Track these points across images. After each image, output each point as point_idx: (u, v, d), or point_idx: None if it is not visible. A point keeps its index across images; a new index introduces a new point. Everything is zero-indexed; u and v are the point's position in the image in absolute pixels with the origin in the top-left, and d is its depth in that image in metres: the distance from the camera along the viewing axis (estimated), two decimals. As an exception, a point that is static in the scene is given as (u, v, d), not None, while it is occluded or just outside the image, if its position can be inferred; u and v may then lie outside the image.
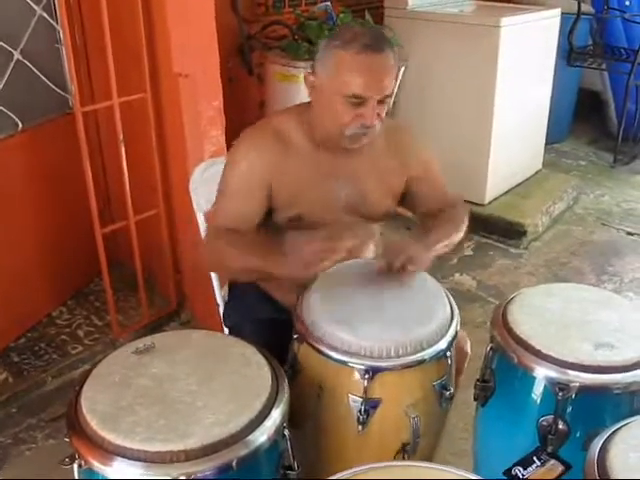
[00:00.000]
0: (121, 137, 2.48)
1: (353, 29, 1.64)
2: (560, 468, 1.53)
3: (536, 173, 4.31)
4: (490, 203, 3.88)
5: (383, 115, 1.64)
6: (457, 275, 3.40)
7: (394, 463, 1.25)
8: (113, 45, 2.38)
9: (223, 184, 1.73)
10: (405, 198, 1.88)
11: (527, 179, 4.21)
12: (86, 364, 2.60)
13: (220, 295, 2.10)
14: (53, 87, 2.70)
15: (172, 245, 2.84)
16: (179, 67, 2.44)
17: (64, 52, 2.67)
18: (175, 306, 2.93)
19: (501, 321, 1.65)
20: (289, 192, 1.71)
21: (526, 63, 3.78)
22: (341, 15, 3.21)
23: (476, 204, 3.76)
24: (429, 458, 1.68)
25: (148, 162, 2.64)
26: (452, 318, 1.60)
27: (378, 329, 1.51)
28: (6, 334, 2.71)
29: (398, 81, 3.54)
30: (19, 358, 2.64)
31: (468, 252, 3.65)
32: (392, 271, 1.63)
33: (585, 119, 5.38)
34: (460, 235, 1.84)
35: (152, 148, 2.61)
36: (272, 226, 1.76)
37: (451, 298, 1.67)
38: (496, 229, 3.75)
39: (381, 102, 1.60)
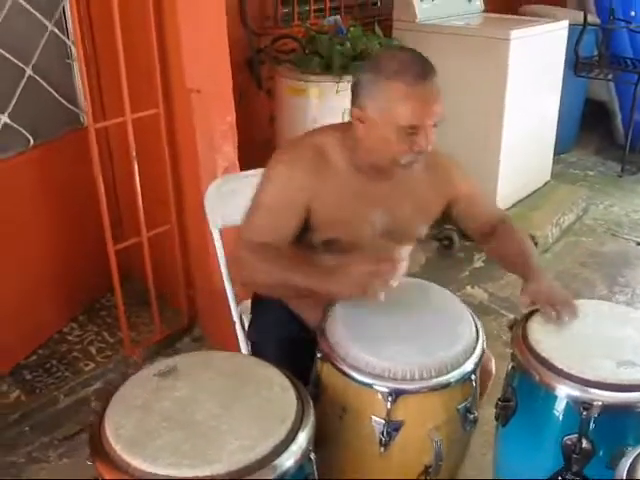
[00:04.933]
0: (134, 153, 2.48)
1: (396, 56, 1.59)
2: (585, 487, 1.52)
3: (545, 184, 4.30)
4: (500, 215, 3.87)
5: (434, 137, 1.61)
6: (469, 288, 3.39)
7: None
8: (125, 60, 2.38)
9: (261, 196, 1.68)
10: (450, 219, 1.89)
11: (536, 190, 4.21)
12: (98, 381, 2.60)
13: (236, 312, 2.09)
14: (64, 103, 2.70)
15: (184, 261, 2.84)
16: (192, 82, 2.44)
17: (76, 68, 2.68)
18: (187, 322, 2.92)
19: (521, 339, 1.64)
20: (328, 213, 1.68)
21: (535, 75, 3.79)
22: (352, 29, 3.21)
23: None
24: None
25: (160, 178, 2.64)
26: (477, 339, 1.59)
27: (402, 351, 1.50)
28: (17, 351, 2.70)
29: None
30: (31, 375, 2.63)
31: (479, 264, 3.64)
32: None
33: (591, 129, 5.39)
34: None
35: (164, 164, 2.61)
36: (304, 246, 1.73)
37: (476, 318, 1.66)
38: (506, 241, 3.74)
39: (434, 126, 1.58)
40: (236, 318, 2.09)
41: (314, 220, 1.69)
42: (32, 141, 2.59)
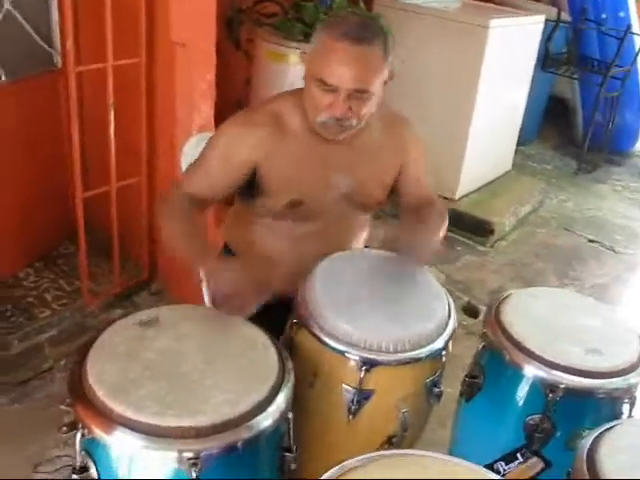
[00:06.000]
0: (111, 101, 2.42)
1: (345, 15, 1.61)
2: (540, 465, 1.59)
3: (505, 174, 4.39)
4: (460, 199, 3.94)
5: (361, 112, 1.60)
6: (426, 268, 3.44)
7: (405, 451, 1.25)
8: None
9: (205, 151, 1.71)
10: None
11: (496, 179, 4.29)
12: (54, 329, 2.56)
13: (202, 271, 2.09)
14: (40, 42, 2.62)
15: (149, 214, 2.80)
16: (177, 35, 2.40)
17: (54, 7, 2.60)
18: (147, 276, 2.89)
19: (494, 320, 1.69)
20: (283, 176, 1.69)
21: (509, 65, 3.85)
22: (337, -1, 3.20)
23: (447, 199, 3.81)
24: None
25: (134, 129, 2.59)
26: (449, 317, 1.63)
27: (379, 323, 1.52)
28: (-30, 292, 2.64)
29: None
30: (-17, 318, 2.57)
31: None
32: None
33: (552, 124, 5.51)
34: (444, 230, 1.85)
35: (140, 115, 2.56)
36: (269, 211, 1.75)
37: (449, 297, 1.69)
38: (464, 225, 3.80)
39: (358, 97, 1.56)
40: (203, 276, 2.08)
41: (269, 182, 1.69)
42: (3, 77, 2.50)
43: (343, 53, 1.53)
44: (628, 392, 1.55)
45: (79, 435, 1.22)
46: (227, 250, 1.96)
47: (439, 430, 2.16)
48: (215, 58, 2.52)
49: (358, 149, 1.74)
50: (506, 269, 3.58)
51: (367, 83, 1.56)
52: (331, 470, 1.13)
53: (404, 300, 1.62)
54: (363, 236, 1.96)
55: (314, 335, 1.51)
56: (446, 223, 1.86)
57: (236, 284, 1.47)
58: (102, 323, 1.56)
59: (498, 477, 1.19)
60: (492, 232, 3.78)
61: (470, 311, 3.17)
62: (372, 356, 1.48)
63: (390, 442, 1.58)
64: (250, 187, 1.72)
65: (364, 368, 1.47)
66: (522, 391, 1.59)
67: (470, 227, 3.79)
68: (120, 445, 1.18)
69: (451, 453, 1.89)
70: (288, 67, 3.13)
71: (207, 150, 1.72)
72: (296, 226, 1.77)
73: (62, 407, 1.29)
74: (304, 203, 1.72)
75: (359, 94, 1.56)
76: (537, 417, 1.56)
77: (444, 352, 1.57)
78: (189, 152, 2.05)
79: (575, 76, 5.04)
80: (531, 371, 1.56)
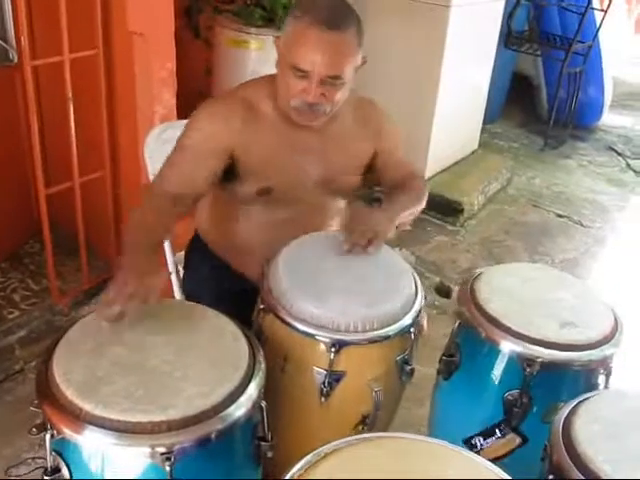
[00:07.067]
0: (70, 94, 2.37)
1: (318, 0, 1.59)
2: (518, 440, 1.60)
3: (472, 153, 4.40)
4: (429, 180, 3.93)
5: (334, 98, 1.60)
6: (396, 250, 3.45)
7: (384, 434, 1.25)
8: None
9: (178, 145, 1.66)
10: (369, 170, 1.87)
11: (464, 158, 4.30)
12: (23, 329, 2.51)
13: (172, 262, 2.06)
14: (-7, 37, 2.55)
15: (115, 209, 2.76)
16: (134, 25, 2.35)
17: (8, 1, 2.53)
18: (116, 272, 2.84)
19: (469, 298, 1.69)
20: (258, 162, 1.67)
21: (471, 44, 3.84)
22: (296, -18, 3.15)
23: (415, 180, 3.80)
24: (385, 431, 1.71)
25: (94, 122, 2.54)
26: (417, 294, 1.63)
27: (346, 303, 1.52)
28: None
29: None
30: (-49, 322, 2.51)
31: (407, 227, 3.69)
32: (357, 247, 1.63)
33: (516, 102, 5.52)
34: (422, 205, 1.87)
35: (100, 108, 2.51)
36: (241, 198, 1.73)
37: (416, 274, 1.69)
38: (434, 206, 3.76)
39: (331, 83, 1.56)
40: (172, 269, 2.06)
41: (243, 169, 1.68)
42: (-44, 74, 2.45)
43: (316, 39, 1.52)
44: (604, 363, 1.57)
45: (48, 436, 1.19)
46: (198, 239, 1.94)
47: (415, 409, 2.17)
48: (174, 46, 2.48)
49: (330, 135, 1.73)
50: (477, 247, 3.60)
51: (340, 69, 1.56)
52: (307, 457, 1.12)
53: (370, 280, 1.61)
54: (338, 222, 1.94)
55: (281, 320, 1.51)
56: (422, 198, 1.85)
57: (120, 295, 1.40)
58: (72, 321, 1.53)
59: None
60: (462, 211, 3.79)
61: (442, 291, 3.18)
62: (341, 337, 1.47)
63: (364, 422, 1.58)
64: (224, 173, 1.69)
65: (333, 349, 1.47)
66: (499, 367, 1.60)
67: (440, 207, 3.79)
68: (91, 444, 1.16)
69: (431, 432, 1.90)
70: (249, 53, 3.10)
71: (182, 144, 1.66)
72: (268, 213, 1.76)
73: (31, 408, 1.26)
74: (274, 190, 1.70)
75: (332, 80, 1.56)
76: (515, 392, 1.56)
77: (412, 329, 1.57)
78: (152, 143, 2.02)
79: (538, 53, 5.06)
80: (507, 346, 1.56)
